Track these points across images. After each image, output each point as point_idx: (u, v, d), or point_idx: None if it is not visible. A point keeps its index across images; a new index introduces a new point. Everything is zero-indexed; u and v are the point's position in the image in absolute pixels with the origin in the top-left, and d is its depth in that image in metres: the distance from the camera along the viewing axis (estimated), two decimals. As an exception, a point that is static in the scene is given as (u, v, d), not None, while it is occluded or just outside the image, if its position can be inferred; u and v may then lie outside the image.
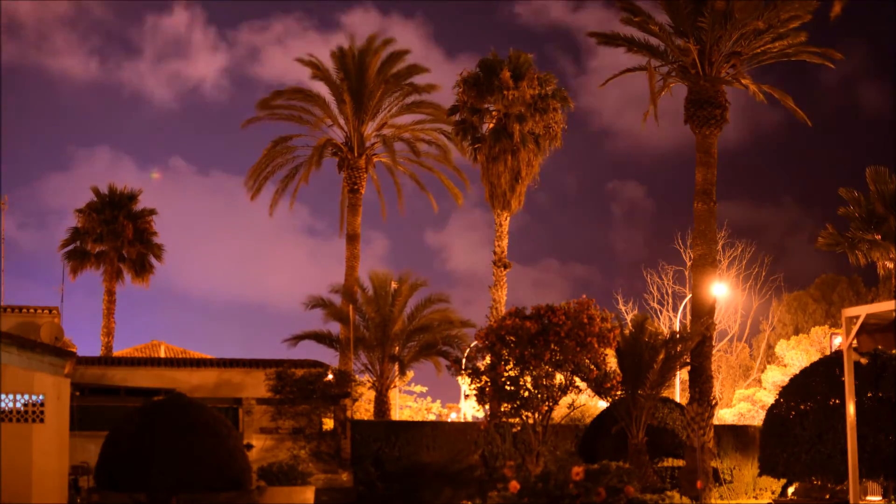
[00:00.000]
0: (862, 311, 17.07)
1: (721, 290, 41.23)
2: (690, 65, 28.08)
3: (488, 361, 25.68)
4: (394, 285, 32.84)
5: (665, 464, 27.82)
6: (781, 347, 49.91)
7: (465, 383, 28.63)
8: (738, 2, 26.97)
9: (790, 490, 22.96)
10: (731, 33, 27.52)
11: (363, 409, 38.72)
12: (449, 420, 47.88)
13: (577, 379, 25.79)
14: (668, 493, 24.53)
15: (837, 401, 19.61)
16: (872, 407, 19.32)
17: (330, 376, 28.13)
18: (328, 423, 28.06)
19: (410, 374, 39.81)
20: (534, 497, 10.53)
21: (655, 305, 50.39)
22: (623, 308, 49.85)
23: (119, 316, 41.78)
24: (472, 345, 29.03)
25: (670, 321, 48.57)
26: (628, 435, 25.33)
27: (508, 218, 35.96)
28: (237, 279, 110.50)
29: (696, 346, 26.80)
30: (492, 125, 35.69)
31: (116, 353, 42.48)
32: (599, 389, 25.60)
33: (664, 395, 28.95)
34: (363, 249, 38.48)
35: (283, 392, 26.86)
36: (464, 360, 29.03)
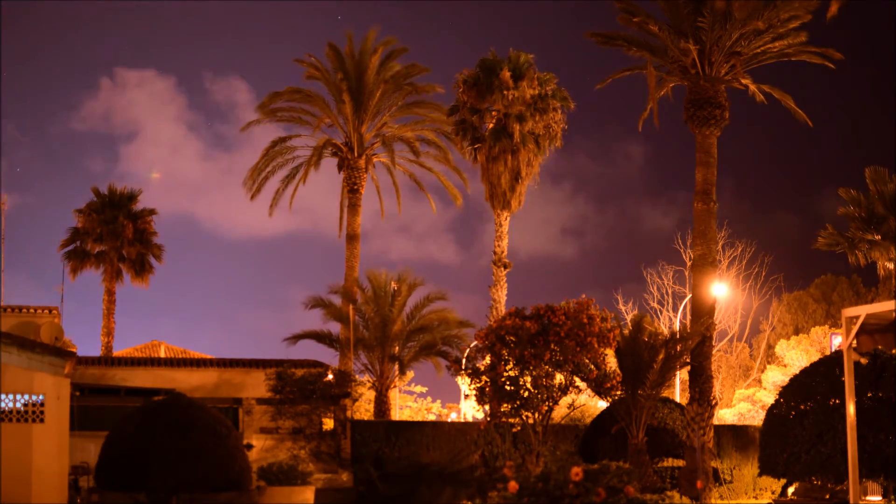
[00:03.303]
0: (862, 311, 17.08)
1: (721, 290, 41.22)
2: (690, 65, 28.07)
3: (488, 361, 25.69)
4: (393, 285, 32.85)
5: (665, 464, 27.83)
6: (781, 347, 49.90)
7: (464, 383, 28.64)
8: (738, 2, 26.95)
9: (790, 490, 22.96)
10: (730, 33, 27.50)
11: (363, 409, 38.72)
12: (449, 420, 47.88)
13: (577, 379, 25.81)
14: (668, 493, 24.54)
15: (837, 401, 19.61)
16: (872, 407, 19.32)
17: (330, 376, 28.16)
18: (328, 423, 28.08)
19: (410, 374, 39.85)
20: (534, 497, 10.52)
21: (655, 305, 50.40)
22: (623, 308, 49.87)
23: (119, 316, 41.84)
24: (471, 345, 29.05)
25: (670, 321, 48.57)
26: (628, 435, 25.34)
27: (508, 218, 35.97)
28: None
29: (696, 346, 26.79)
30: (492, 125, 35.67)
31: (116, 353, 42.48)
32: (599, 389, 25.62)
33: (664, 395, 28.97)
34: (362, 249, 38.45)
35: (283, 392, 26.87)
36: (464, 360, 29.03)
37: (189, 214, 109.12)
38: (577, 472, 10.41)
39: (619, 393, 25.57)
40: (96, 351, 40.79)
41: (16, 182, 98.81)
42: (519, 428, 27.75)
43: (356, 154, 38.23)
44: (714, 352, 32.38)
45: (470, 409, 45.98)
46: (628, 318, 38.99)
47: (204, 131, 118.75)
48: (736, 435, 29.95)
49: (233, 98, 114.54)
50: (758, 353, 56.90)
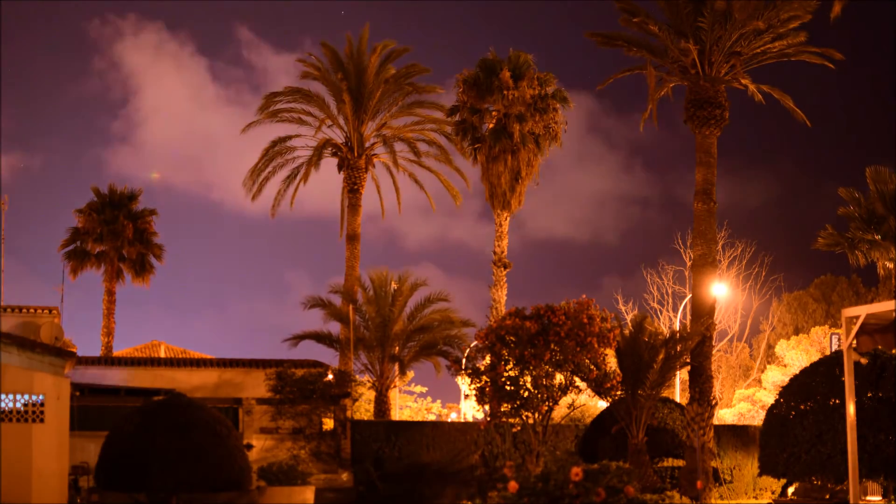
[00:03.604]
0: (862, 311, 17.08)
1: (721, 290, 41.22)
2: (690, 65, 28.08)
3: (488, 361, 25.69)
4: (394, 285, 32.84)
5: (665, 464, 27.83)
6: (781, 347, 49.90)
7: (464, 383, 28.65)
8: (738, 2, 26.97)
9: (790, 490, 22.97)
10: (730, 33, 27.51)
11: (363, 409, 38.72)
12: (449, 420, 47.88)
13: (577, 379, 25.81)
14: (668, 493, 24.54)
15: (837, 401, 19.63)
16: (872, 407, 19.33)
17: (330, 376, 28.17)
18: (328, 423, 28.08)
19: (410, 374, 39.82)
20: (533, 497, 10.52)
21: (655, 305, 50.39)
22: (623, 308, 49.87)
23: (119, 316, 41.86)
24: (472, 345, 29.05)
25: (670, 321, 48.56)
26: (628, 435, 25.33)
27: (508, 218, 35.98)
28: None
29: (696, 346, 26.80)
30: (492, 125, 35.69)
31: (116, 353, 42.48)
32: (599, 389, 25.62)
33: (664, 395, 28.97)
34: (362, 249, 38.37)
35: (283, 392, 26.88)
36: (464, 360, 29.03)
37: (193, 182, 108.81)
38: (577, 472, 10.40)
39: (619, 393, 25.57)
40: (96, 351, 40.82)
41: (19, 175, 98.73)
42: (519, 428, 27.75)
43: (356, 154, 38.19)
44: (714, 352, 32.38)
45: (470, 409, 45.96)
46: (628, 318, 39.02)
47: (212, 85, 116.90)
48: (736, 435, 29.95)
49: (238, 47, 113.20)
50: (758, 353, 56.90)
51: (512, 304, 28.76)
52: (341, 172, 38.59)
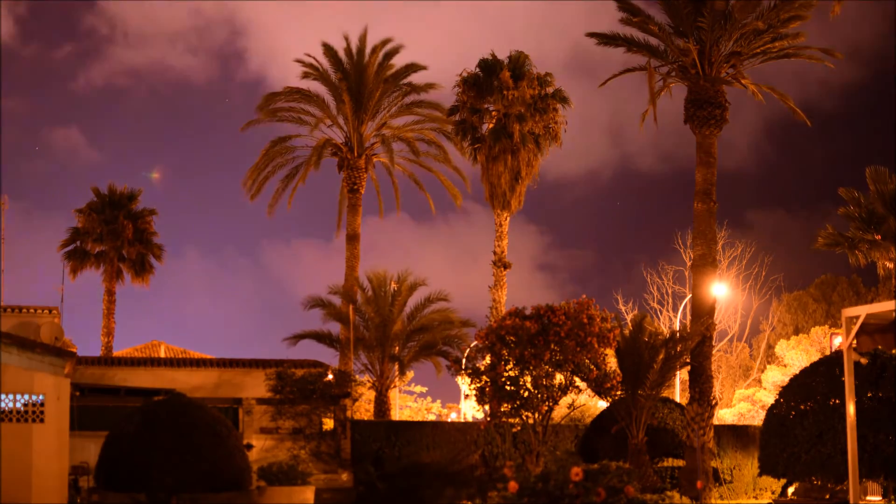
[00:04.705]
0: (862, 311, 17.08)
1: (721, 290, 41.21)
2: (690, 65, 28.08)
3: (488, 361, 25.70)
4: (393, 285, 32.84)
5: (665, 464, 27.84)
6: (781, 347, 49.89)
7: (464, 383, 28.65)
8: (738, 2, 27.00)
9: (790, 490, 22.97)
10: (730, 33, 27.53)
11: (363, 409, 38.72)
12: (449, 420, 47.87)
13: (577, 379, 25.82)
14: (668, 493, 24.54)
15: (837, 401, 19.62)
16: (872, 407, 19.32)
17: (330, 376, 28.16)
18: (328, 423, 28.08)
19: (410, 374, 39.87)
20: (534, 497, 10.53)
21: (655, 305, 50.39)
22: (623, 308, 49.86)
23: (119, 316, 41.88)
24: (472, 345, 29.05)
25: (670, 321, 48.56)
26: (628, 435, 25.34)
27: (508, 218, 35.96)
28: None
29: (696, 346, 26.80)
30: (492, 125, 35.69)
31: (116, 353, 42.50)
32: (599, 389, 25.62)
33: (664, 395, 28.98)
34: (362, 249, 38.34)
35: (283, 392, 26.88)
36: (464, 360, 29.03)
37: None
38: (577, 472, 10.41)
39: (619, 393, 25.57)
40: (96, 351, 40.87)
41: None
42: (519, 428, 27.75)
43: (356, 154, 38.17)
44: (714, 352, 32.38)
45: (470, 409, 45.96)
46: (628, 318, 39.03)
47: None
48: (736, 435, 29.95)
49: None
50: (758, 353, 56.89)
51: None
52: (341, 172, 38.57)
